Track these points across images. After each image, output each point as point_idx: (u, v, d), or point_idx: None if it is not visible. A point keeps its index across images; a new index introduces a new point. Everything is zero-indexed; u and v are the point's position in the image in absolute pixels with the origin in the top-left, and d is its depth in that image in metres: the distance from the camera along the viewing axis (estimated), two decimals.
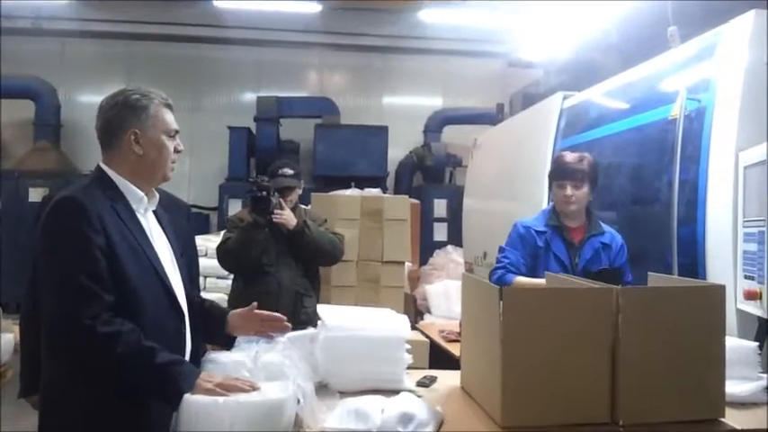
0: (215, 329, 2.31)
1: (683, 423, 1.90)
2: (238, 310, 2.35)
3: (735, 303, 2.86)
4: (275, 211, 3.70)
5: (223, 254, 3.87)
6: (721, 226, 3.03)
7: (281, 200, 3.76)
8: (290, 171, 3.97)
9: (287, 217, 3.74)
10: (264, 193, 3.69)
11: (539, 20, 7.34)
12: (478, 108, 10.44)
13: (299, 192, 4.02)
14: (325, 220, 4.13)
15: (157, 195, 2.18)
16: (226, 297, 6.42)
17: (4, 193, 6.36)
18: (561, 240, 3.14)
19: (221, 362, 2.13)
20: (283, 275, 3.81)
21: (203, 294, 2.85)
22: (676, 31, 3.94)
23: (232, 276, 6.52)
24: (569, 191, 3.12)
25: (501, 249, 3.28)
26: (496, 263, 3.25)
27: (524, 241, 3.19)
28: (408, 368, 2.33)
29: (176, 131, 2.13)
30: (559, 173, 3.19)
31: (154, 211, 2.19)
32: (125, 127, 2.05)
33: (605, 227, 3.22)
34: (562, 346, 1.89)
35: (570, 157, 3.20)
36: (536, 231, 3.18)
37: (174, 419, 1.86)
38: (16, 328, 5.92)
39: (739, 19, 3.21)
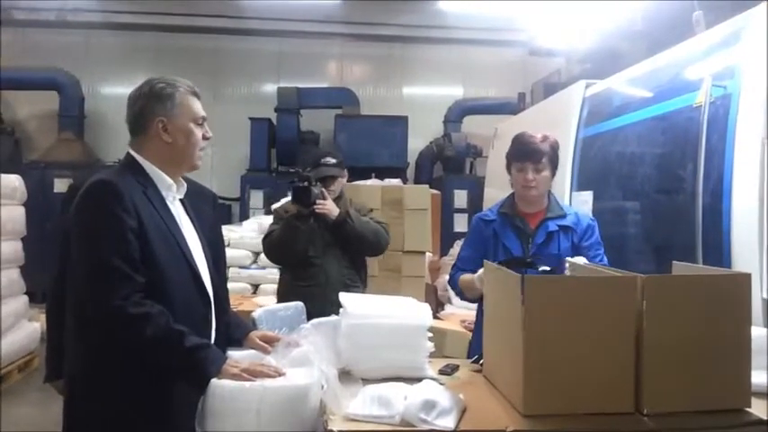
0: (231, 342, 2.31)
1: (708, 412, 1.88)
2: (262, 333, 2.34)
3: (761, 293, 2.83)
4: (317, 201, 3.62)
5: (268, 246, 3.81)
6: (747, 215, 2.98)
7: (323, 190, 3.68)
8: (332, 160, 3.88)
9: (329, 207, 3.65)
10: (306, 183, 3.62)
11: (560, 7, 7.27)
12: (499, 98, 10.41)
13: (343, 181, 3.94)
14: (371, 210, 4.05)
15: (185, 184, 2.21)
16: (249, 287, 6.58)
17: (29, 184, 6.42)
18: (512, 229, 2.94)
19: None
20: (331, 267, 3.72)
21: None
22: (701, 16, 3.88)
23: (253, 267, 6.65)
24: (530, 174, 2.86)
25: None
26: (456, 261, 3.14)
27: (475, 235, 3.04)
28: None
29: (204, 119, 2.16)
30: (520, 153, 2.92)
31: (181, 200, 2.21)
32: (152, 116, 2.08)
33: (571, 209, 3.05)
34: (585, 334, 1.87)
35: (530, 136, 2.93)
36: (485, 221, 3.01)
37: (200, 403, 1.88)
38: (43, 317, 6.03)
39: (765, 4, 3.15)
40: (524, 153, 2.90)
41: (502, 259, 2.78)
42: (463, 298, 3.03)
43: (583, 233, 2.94)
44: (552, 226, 2.92)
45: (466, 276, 2.90)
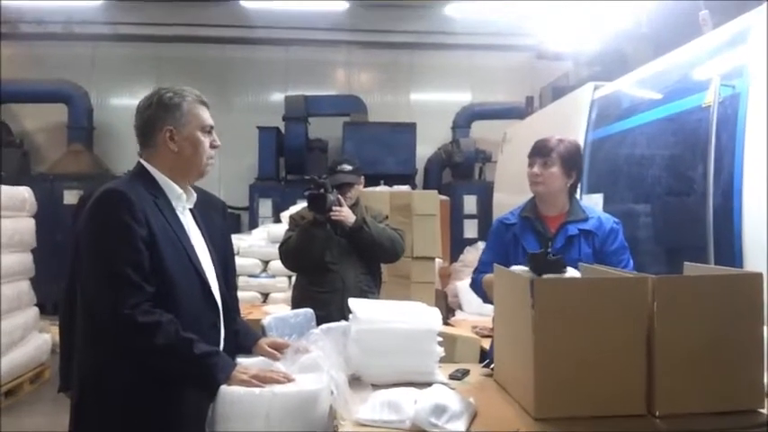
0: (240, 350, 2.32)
1: (721, 414, 1.86)
2: (271, 340, 2.35)
3: None
4: (333, 208, 3.62)
5: (285, 253, 3.81)
6: (758, 214, 2.97)
7: (339, 197, 3.67)
8: (349, 167, 3.86)
9: (345, 214, 3.65)
10: (322, 190, 3.61)
11: (567, 10, 7.27)
12: (507, 102, 10.38)
13: (360, 188, 3.94)
14: (386, 217, 4.05)
15: (195, 194, 2.22)
16: (258, 295, 6.57)
17: (38, 196, 6.45)
18: (533, 232, 2.91)
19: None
20: (348, 273, 3.72)
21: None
22: (708, 15, 3.87)
23: (262, 275, 6.65)
24: (536, 169, 2.88)
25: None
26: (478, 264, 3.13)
27: (495, 238, 3.04)
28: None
29: (211, 127, 2.16)
30: (531, 151, 2.95)
31: (191, 210, 2.22)
32: (160, 125, 2.09)
33: (595, 212, 2.99)
34: (596, 336, 1.86)
35: (548, 138, 2.95)
36: (506, 225, 2.99)
37: (210, 410, 1.89)
38: (53, 329, 6.03)
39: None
40: (534, 150, 2.93)
41: (521, 261, 2.71)
42: (486, 300, 2.97)
43: (605, 238, 2.87)
44: (572, 230, 2.87)
45: (490, 276, 2.81)
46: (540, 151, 2.90)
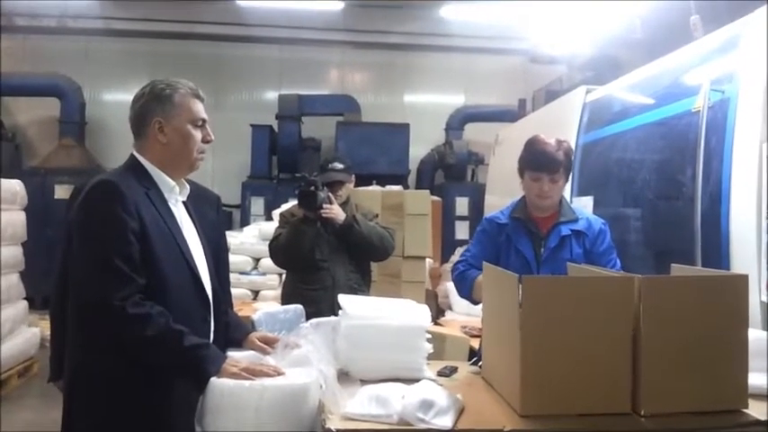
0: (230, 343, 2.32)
1: (705, 413, 1.88)
2: (261, 334, 2.36)
3: (759, 296, 2.83)
4: (323, 205, 3.63)
5: (274, 249, 3.83)
6: (745, 218, 2.99)
7: (329, 194, 3.69)
8: (339, 165, 3.88)
9: (335, 212, 3.66)
10: (313, 187, 3.62)
11: (561, 15, 7.30)
12: (500, 105, 10.42)
13: (350, 186, 3.96)
14: (377, 215, 4.06)
15: (188, 186, 2.22)
16: (249, 293, 6.57)
17: (29, 190, 6.43)
18: (525, 233, 2.88)
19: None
20: (338, 271, 3.73)
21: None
22: (699, 20, 3.90)
23: (253, 273, 6.65)
24: (546, 186, 2.80)
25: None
26: (460, 257, 3.08)
27: (486, 236, 2.98)
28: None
29: (204, 120, 2.16)
30: (535, 162, 2.83)
31: (184, 203, 2.22)
32: (150, 116, 2.09)
33: (583, 213, 2.99)
34: (582, 334, 1.88)
35: (545, 143, 2.84)
36: (499, 224, 2.94)
37: (200, 402, 1.89)
38: (43, 323, 6.01)
39: (763, 9, 3.17)
40: (540, 163, 2.82)
41: (513, 261, 2.79)
42: (464, 294, 2.97)
43: (595, 238, 2.88)
44: (565, 230, 2.86)
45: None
46: (547, 167, 2.80)
